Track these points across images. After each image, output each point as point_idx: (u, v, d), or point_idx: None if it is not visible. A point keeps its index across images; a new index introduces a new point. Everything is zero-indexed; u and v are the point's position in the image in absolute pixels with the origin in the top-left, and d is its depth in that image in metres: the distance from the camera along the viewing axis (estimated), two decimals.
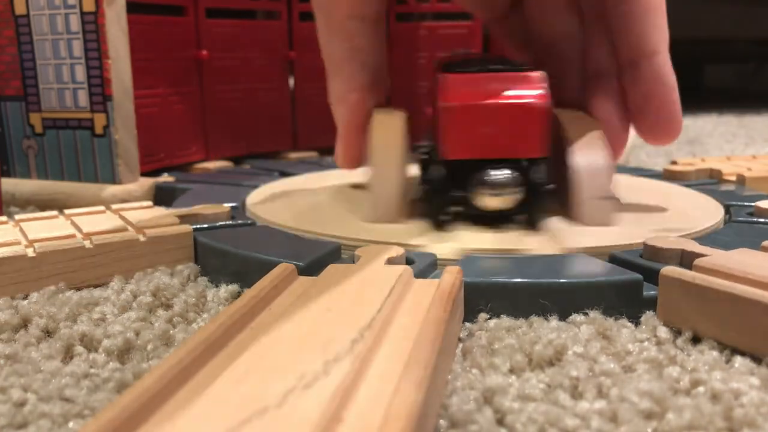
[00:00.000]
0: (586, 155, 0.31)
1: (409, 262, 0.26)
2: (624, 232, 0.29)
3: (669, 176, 0.44)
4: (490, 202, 0.30)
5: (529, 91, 0.30)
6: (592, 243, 0.28)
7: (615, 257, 0.27)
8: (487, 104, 0.30)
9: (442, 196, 0.31)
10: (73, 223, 0.31)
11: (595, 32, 0.35)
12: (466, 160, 0.30)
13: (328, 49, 0.35)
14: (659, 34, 0.32)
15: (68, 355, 0.22)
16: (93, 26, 0.40)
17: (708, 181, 0.43)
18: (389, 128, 0.33)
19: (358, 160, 0.37)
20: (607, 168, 0.31)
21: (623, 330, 0.23)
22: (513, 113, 0.30)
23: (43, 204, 0.42)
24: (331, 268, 0.24)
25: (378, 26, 0.35)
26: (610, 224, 0.30)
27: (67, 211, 0.33)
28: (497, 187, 0.29)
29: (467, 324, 0.24)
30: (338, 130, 0.36)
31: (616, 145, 0.33)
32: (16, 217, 0.32)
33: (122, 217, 0.32)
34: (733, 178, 0.42)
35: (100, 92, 0.41)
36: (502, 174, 0.29)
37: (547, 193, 0.30)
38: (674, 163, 0.47)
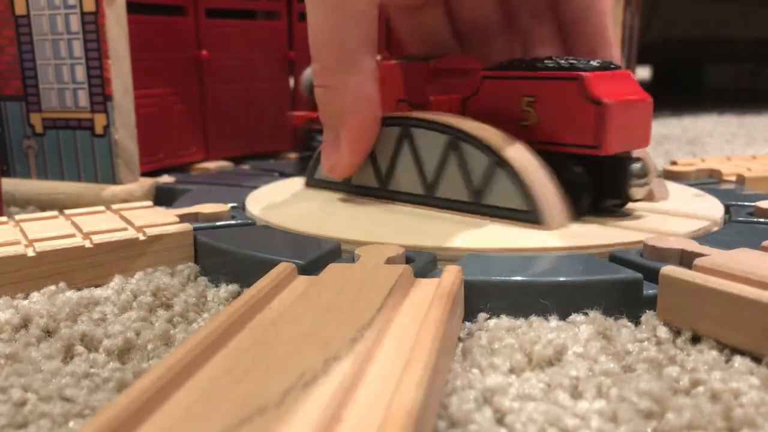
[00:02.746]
0: None
1: (409, 261, 0.26)
2: (624, 232, 0.29)
3: (669, 176, 0.44)
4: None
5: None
6: (593, 242, 0.28)
7: (615, 257, 0.27)
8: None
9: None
10: (73, 223, 0.31)
11: (539, 28, 0.36)
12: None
13: (339, 38, 0.31)
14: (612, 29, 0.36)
15: (68, 354, 0.22)
16: (93, 26, 0.40)
17: (708, 181, 0.43)
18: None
19: (359, 166, 0.35)
20: None
21: (623, 330, 0.23)
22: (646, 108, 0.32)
23: (43, 204, 0.42)
24: (331, 268, 0.24)
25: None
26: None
27: (67, 211, 0.33)
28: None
29: (467, 324, 0.24)
30: (345, 130, 0.33)
31: None
32: (16, 217, 0.32)
33: (122, 217, 0.32)
34: (733, 178, 0.42)
35: (100, 92, 0.41)
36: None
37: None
38: (674, 163, 0.47)
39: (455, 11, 0.38)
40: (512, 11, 0.38)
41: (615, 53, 0.36)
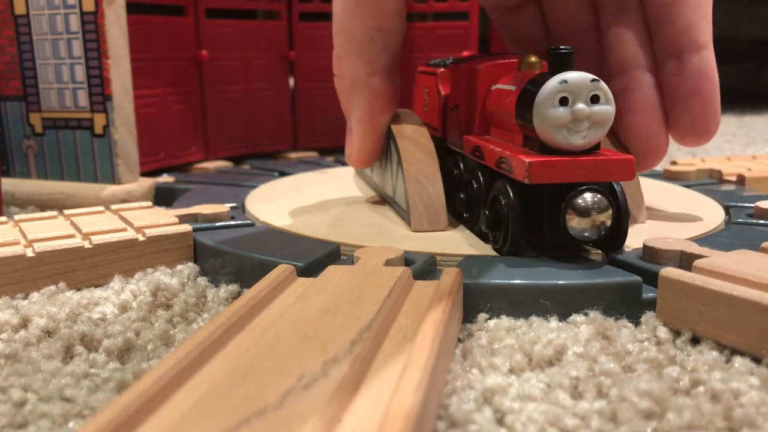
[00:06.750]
0: None
1: (408, 263, 0.26)
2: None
3: (669, 176, 0.44)
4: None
5: None
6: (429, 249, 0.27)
7: (614, 259, 0.27)
8: None
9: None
10: (73, 223, 0.31)
11: (620, 24, 0.32)
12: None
13: (350, 26, 0.31)
14: (708, 28, 0.30)
15: (68, 355, 0.22)
16: (93, 26, 0.40)
17: (708, 182, 0.43)
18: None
19: (374, 156, 0.34)
20: None
21: (623, 330, 0.23)
22: None
23: (43, 204, 0.42)
24: (331, 269, 0.24)
25: (403, 7, 0.32)
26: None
27: (66, 211, 0.33)
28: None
29: (467, 324, 0.24)
30: (353, 120, 0.33)
31: (657, 148, 0.31)
32: (16, 217, 0.32)
33: (122, 217, 0.32)
34: (733, 179, 0.42)
35: (99, 92, 0.41)
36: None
37: None
38: (674, 163, 0.47)
39: (547, 13, 0.36)
40: (599, 7, 0.34)
41: (703, 58, 0.30)
